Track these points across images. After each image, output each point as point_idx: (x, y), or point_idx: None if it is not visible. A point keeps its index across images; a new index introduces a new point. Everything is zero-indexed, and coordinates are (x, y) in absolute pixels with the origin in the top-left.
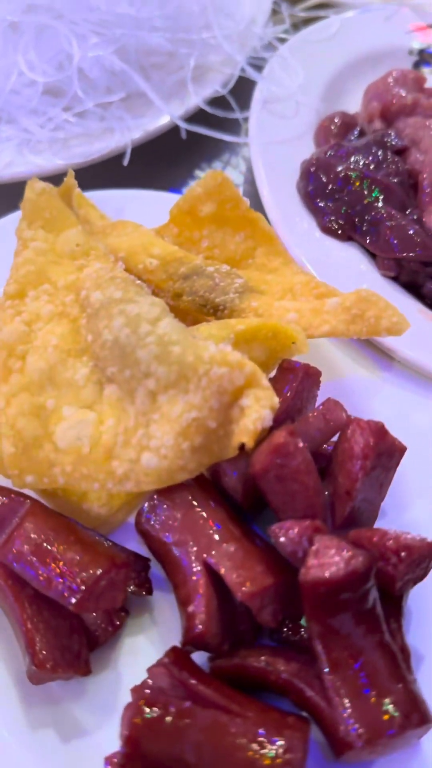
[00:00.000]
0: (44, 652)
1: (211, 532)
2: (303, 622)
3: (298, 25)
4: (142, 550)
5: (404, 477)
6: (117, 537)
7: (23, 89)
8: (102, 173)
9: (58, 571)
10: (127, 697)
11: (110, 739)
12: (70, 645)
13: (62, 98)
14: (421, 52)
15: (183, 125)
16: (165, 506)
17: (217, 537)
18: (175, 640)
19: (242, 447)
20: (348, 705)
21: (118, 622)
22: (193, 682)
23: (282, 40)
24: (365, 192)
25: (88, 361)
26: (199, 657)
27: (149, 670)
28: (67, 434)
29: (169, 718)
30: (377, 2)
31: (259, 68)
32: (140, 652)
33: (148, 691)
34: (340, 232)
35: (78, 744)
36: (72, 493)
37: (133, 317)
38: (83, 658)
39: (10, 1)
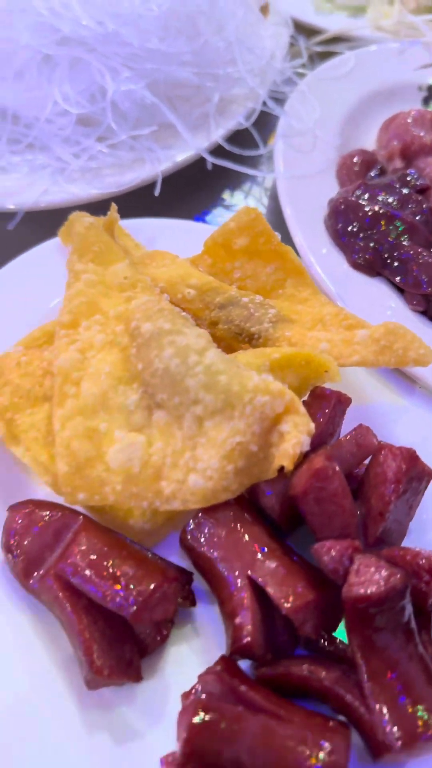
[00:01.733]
0: (101, 660)
1: (254, 549)
2: (336, 634)
3: (313, 58)
4: (183, 564)
5: (426, 498)
6: (159, 550)
7: (57, 118)
8: (130, 201)
9: (114, 583)
10: (175, 703)
11: (161, 741)
12: (123, 653)
13: (95, 128)
14: (430, 88)
15: (209, 158)
16: (210, 524)
17: (259, 554)
18: (217, 649)
19: (281, 469)
20: (386, 711)
21: (165, 632)
22: (243, 688)
23: (300, 74)
24: (392, 230)
25: (138, 388)
26: (242, 666)
27: (200, 677)
28: (118, 456)
29: (223, 723)
30: (388, 37)
31: (279, 101)
32: (185, 661)
33: (204, 696)
34: (369, 268)
35: (130, 746)
36: (119, 509)
37: (182, 348)
38: (135, 666)
39: (44, 35)
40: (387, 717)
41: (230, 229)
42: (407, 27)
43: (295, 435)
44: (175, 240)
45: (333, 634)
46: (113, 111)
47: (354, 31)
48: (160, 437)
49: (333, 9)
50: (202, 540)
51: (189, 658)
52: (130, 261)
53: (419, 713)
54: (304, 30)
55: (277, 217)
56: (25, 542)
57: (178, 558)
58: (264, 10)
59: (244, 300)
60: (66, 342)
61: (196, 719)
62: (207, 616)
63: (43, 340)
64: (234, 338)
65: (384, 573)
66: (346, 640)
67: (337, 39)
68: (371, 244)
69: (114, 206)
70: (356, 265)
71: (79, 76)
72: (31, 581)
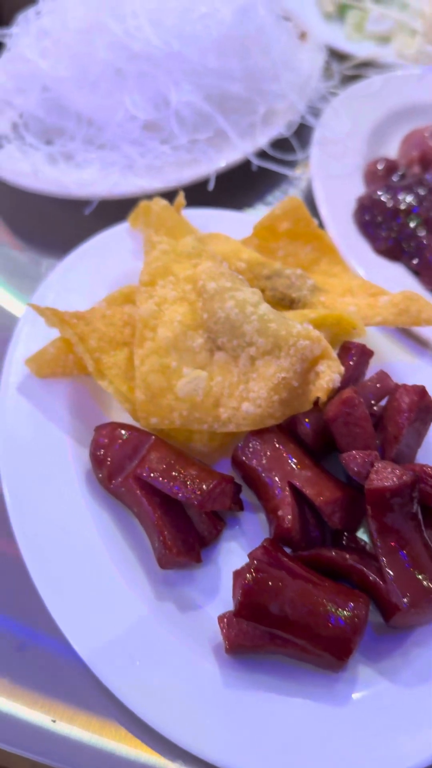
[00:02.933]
0: (171, 541)
1: (292, 462)
2: (358, 534)
3: (345, 80)
4: None
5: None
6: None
7: (126, 123)
8: (187, 194)
9: (183, 480)
10: (226, 582)
11: (216, 610)
12: (187, 539)
13: (158, 132)
14: None
15: (255, 161)
16: (257, 443)
17: (297, 466)
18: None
19: (316, 402)
20: (397, 579)
21: (219, 528)
22: (285, 560)
23: (333, 93)
24: (410, 223)
25: (203, 333)
26: None
27: (251, 553)
28: (185, 387)
29: (270, 581)
30: (410, 64)
31: (315, 115)
32: (233, 553)
33: (255, 562)
34: (390, 254)
35: (193, 614)
36: (181, 433)
37: (241, 301)
38: (197, 550)
39: (117, 52)
40: (398, 583)
41: (276, 215)
42: (427, 56)
43: (329, 374)
44: (225, 226)
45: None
46: (175, 118)
47: (380, 57)
48: (220, 372)
49: (362, 38)
50: (251, 455)
51: (237, 550)
52: (196, 236)
53: (424, 581)
54: (336, 55)
55: (311, 213)
56: (109, 453)
57: None
58: (303, 36)
59: (287, 272)
60: (146, 296)
61: (249, 577)
62: (252, 521)
63: (122, 299)
64: (278, 303)
65: (398, 472)
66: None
67: (365, 64)
68: (392, 235)
69: (181, 192)
70: (380, 252)
71: (146, 87)
72: (113, 484)
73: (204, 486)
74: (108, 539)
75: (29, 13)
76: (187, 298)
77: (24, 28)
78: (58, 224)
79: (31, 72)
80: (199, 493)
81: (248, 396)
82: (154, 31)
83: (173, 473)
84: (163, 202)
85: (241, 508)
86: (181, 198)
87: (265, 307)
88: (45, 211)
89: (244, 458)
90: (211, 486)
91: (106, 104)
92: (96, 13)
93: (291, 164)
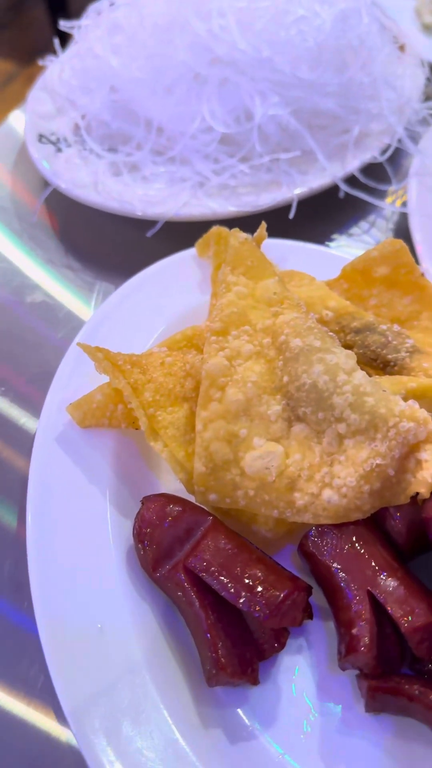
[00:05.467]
0: (225, 659)
1: (375, 566)
2: None
3: None
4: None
5: None
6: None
7: (201, 135)
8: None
9: (247, 585)
10: (287, 705)
11: (275, 740)
12: (244, 654)
13: (235, 147)
14: None
15: (344, 188)
16: (333, 535)
17: (380, 571)
18: (329, 662)
19: (413, 496)
20: None
21: (283, 640)
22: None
23: None
24: None
25: (281, 400)
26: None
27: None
28: (255, 462)
29: None
30: None
31: (414, 140)
32: (296, 669)
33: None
34: None
35: (245, 745)
36: (243, 514)
37: (332, 366)
38: (254, 669)
39: (198, 55)
40: None
41: (372, 258)
42: None
43: None
44: (306, 263)
45: None
46: (258, 133)
47: None
48: (299, 449)
49: None
50: (324, 549)
51: (301, 666)
52: (279, 278)
53: None
54: None
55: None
56: (157, 533)
57: (291, 570)
58: (402, 49)
59: (382, 327)
60: (215, 348)
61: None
62: (320, 631)
63: (184, 343)
64: (368, 363)
65: None
66: None
67: None
68: None
69: (263, 224)
70: None
71: (227, 96)
72: (159, 572)
73: (272, 596)
74: (147, 641)
75: (102, 3)
76: (264, 354)
77: (95, 20)
78: (117, 244)
79: (99, 69)
80: (265, 604)
81: (332, 482)
82: (242, 33)
83: (234, 571)
84: (244, 236)
85: (310, 617)
86: (262, 231)
87: (360, 376)
88: (103, 229)
89: (315, 551)
90: (282, 597)
91: (181, 112)
92: (177, 9)
93: (382, 194)
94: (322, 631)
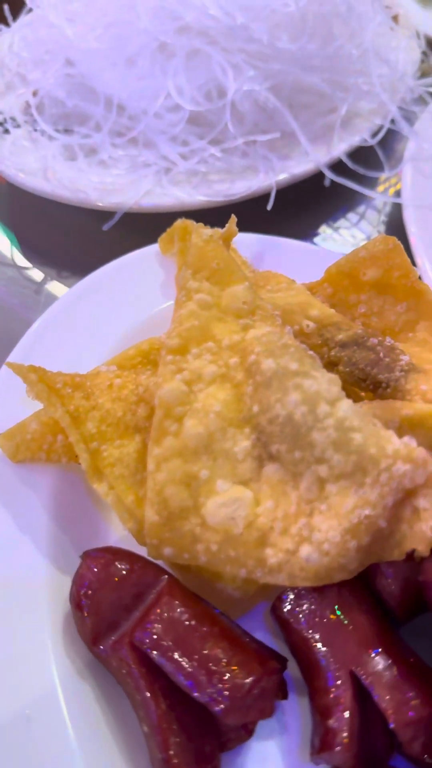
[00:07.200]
0: (178, 758)
1: (362, 641)
2: None
3: None
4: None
5: None
6: (241, 620)
7: (166, 114)
8: (237, 211)
9: (204, 669)
10: None
11: None
12: (202, 749)
13: (206, 129)
14: None
15: (330, 175)
16: (312, 599)
17: (368, 649)
18: (305, 748)
19: (410, 553)
20: None
21: (251, 727)
22: None
23: (431, 93)
24: None
25: (250, 434)
26: None
27: None
28: (219, 511)
29: None
30: None
31: (408, 120)
32: (269, 760)
33: None
34: None
35: None
36: (206, 570)
37: (312, 395)
38: (214, 765)
39: (165, 21)
40: None
41: (360, 258)
42: None
43: None
44: (285, 260)
45: None
46: (231, 112)
47: None
48: (271, 495)
49: None
50: (301, 616)
51: (273, 757)
52: (250, 284)
53: None
54: None
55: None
56: (99, 598)
57: (263, 633)
58: (395, 19)
59: (373, 341)
60: (172, 370)
61: None
62: (296, 711)
63: (138, 360)
64: (355, 383)
65: None
66: None
67: None
68: None
69: (233, 218)
70: None
71: (196, 70)
72: (101, 646)
73: (236, 686)
74: (85, 730)
75: None
76: (230, 377)
77: None
78: (69, 239)
79: (53, 40)
80: (228, 696)
81: (311, 537)
82: None
83: (191, 650)
84: (209, 233)
85: (285, 696)
86: (232, 226)
87: (346, 407)
88: (54, 221)
89: (289, 618)
90: (247, 687)
91: (144, 87)
92: None
93: (372, 182)
94: (298, 710)
